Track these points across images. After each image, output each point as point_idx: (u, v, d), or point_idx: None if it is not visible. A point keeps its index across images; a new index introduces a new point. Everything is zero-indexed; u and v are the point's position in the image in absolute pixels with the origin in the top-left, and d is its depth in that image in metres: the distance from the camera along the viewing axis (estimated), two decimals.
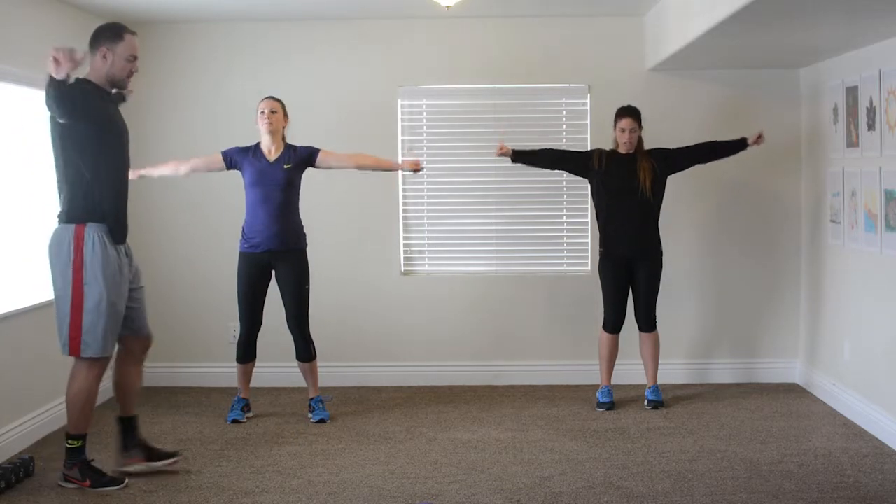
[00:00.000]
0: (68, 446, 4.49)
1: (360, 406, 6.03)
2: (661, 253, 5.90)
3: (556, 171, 6.17)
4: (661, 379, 6.10)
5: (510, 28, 6.49)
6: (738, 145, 5.83)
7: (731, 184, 6.51)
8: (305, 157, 5.58)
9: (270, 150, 5.57)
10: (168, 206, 6.58)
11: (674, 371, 6.45)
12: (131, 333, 4.69)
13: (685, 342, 6.57)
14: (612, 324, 5.93)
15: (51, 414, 5.47)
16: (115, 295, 4.42)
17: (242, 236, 5.61)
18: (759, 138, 5.79)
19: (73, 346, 4.38)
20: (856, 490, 4.39)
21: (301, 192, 5.65)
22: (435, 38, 6.55)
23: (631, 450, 5.04)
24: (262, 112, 5.56)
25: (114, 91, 4.50)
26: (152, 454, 4.70)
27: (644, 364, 6.02)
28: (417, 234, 6.64)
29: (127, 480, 4.53)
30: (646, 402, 5.94)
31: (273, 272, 5.64)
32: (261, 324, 5.69)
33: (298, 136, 5.76)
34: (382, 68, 6.55)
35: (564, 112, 6.59)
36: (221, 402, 6.06)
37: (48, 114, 4.27)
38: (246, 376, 5.76)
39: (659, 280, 5.90)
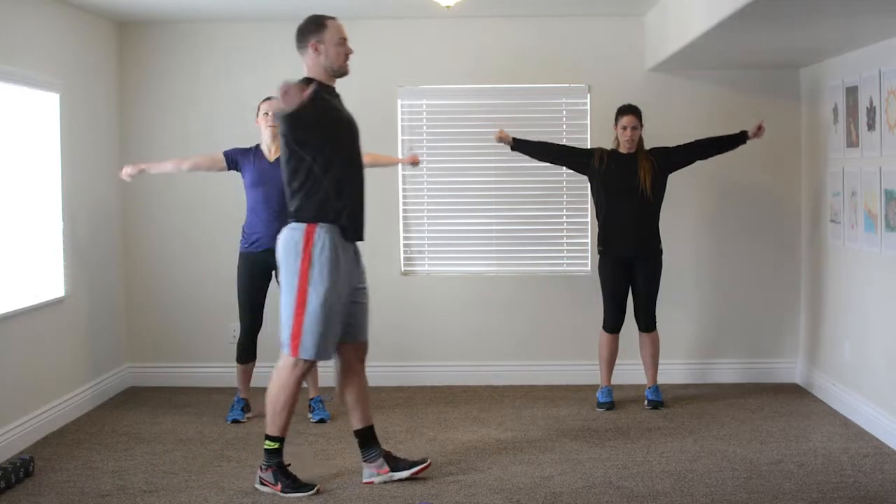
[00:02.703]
0: (266, 447, 4.43)
1: None
2: (660, 252, 5.89)
3: (556, 166, 6.17)
4: (661, 379, 6.09)
5: (510, 28, 6.49)
6: (739, 139, 5.81)
7: (731, 184, 6.51)
8: None
9: (271, 151, 5.58)
10: (168, 207, 6.58)
11: (674, 371, 6.45)
12: (349, 339, 4.50)
13: (685, 342, 6.57)
14: (612, 324, 5.93)
15: (51, 414, 5.47)
16: (336, 298, 4.31)
17: (243, 236, 5.62)
18: (760, 130, 5.78)
19: (294, 345, 4.31)
20: (856, 490, 4.39)
21: None
22: (435, 38, 6.55)
23: (631, 450, 5.04)
24: (266, 114, 5.56)
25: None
26: (397, 464, 4.58)
27: (644, 364, 6.01)
28: (417, 234, 6.64)
29: (318, 487, 4.43)
30: (646, 403, 5.93)
31: (273, 272, 5.64)
32: (261, 324, 5.69)
33: None
34: (382, 68, 6.54)
35: (564, 112, 6.59)
36: (221, 402, 6.06)
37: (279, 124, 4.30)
38: (246, 376, 5.75)
39: (659, 280, 5.90)
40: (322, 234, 4.29)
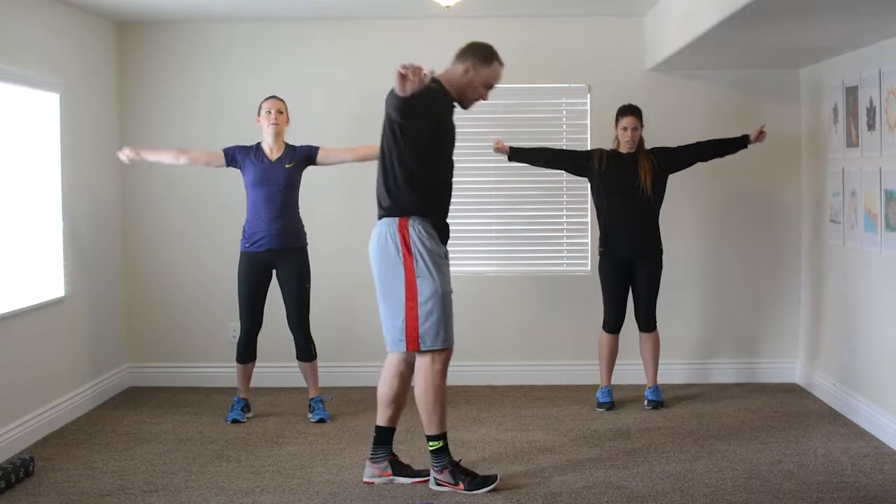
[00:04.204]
0: (431, 448, 4.40)
1: (360, 406, 6.03)
2: (661, 252, 5.89)
3: (555, 170, 6.16)
4: (661, 379, 6.09)
5: (510, 28, 6.48)
6: (740, 142, 5.81)
7: (732, 184, 6.51)
8: (306, 156, 5.60)
9: (272, 150, 5.58)
10: (168, 207, 6.58)
11: (674, 371, 6.45)
12: None
13: (685, 342, 6.57)
14: (612, 324, 5.92)
15: (51, 414, 5.47)
16: (447, 284, 4.31)
17: (243, 236, 5.62)
18: (761, 134, 5.78)
19: (411, 340, 4.29)
20: (856, 490, 4.39)
21: (301, 191, 5.65)
22: (435, 38, 6.53)
23: (631, 450, 5.04)
24: (269, 112, 5.56)
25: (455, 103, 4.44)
26: (402, 470, 4.55)
27: (644, 364, 6.01)
28: None
29: (499, 477, 4.43)
30: (646, 402, 5.93)
31: (274, 271, 5.64)
32: (261, 324, 5.69)
33: (297, 137, 5.76)
34: (382, 68, 6.51)
35: (564, 112, 6.59)
36: (221, 402, 6.05)
37: (385, 110, 4.25)
38: (246, 376, 5.75)
39: (659, 280, 5.90)
40: (416, 225, 4.27)
